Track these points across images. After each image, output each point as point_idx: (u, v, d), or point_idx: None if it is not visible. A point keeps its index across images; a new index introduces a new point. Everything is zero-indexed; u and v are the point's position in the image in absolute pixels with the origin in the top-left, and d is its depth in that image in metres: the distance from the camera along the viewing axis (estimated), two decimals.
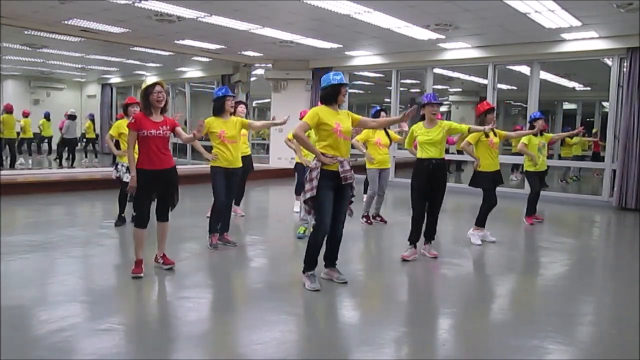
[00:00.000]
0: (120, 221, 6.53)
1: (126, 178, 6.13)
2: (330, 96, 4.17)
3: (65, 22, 9.21)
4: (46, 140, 15.71)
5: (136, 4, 7.86)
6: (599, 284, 4.95)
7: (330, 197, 4.08)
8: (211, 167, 5.33)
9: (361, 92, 19.57)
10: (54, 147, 15.51)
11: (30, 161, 13.90)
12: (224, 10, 8.19)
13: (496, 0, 6.98)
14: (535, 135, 7.13)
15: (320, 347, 3.22)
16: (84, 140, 16.51)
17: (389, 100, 12.73)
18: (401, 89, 12.96)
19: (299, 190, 8.11)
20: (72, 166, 13.47)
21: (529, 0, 7.01)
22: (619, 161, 9.14)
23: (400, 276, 4.92)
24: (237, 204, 7.25)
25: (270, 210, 9.10)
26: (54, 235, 5.92)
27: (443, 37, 9.55)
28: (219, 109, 5.32)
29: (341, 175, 4.07)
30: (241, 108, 6.75)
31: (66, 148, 14.04)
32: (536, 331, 3.41)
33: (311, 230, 5.92)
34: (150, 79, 17.92)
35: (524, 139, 7.12)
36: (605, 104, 14.40)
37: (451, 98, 21.26)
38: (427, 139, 5.10)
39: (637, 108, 8.90)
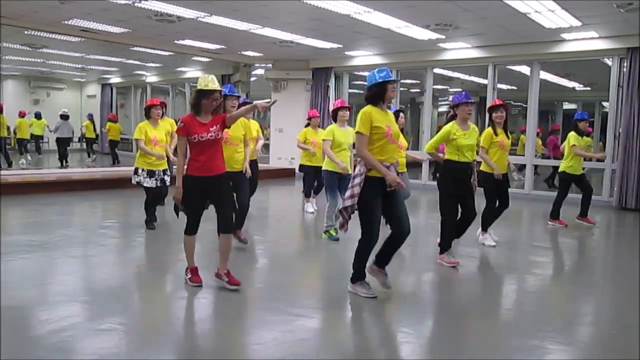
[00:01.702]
0: (151, 224, 6.28)
1: (147, 183, 6.10)
2: (377, 96, 3.83)
3: (65, 22, 9.21)
4: (40, 140, 15.73)
5: (136, 4, 7.85)
6: (599, 284, 4.95)
7: (378, 205, 3.79)
8: None
9: (361, 92, 19.55)
10: (49, 147, 15.57)
11: (23, 160, 13.89)
12: (224, 10, 8.19)
13: (496, 0, 6.98)
14: (580, 136, 6.96)
15: (320, 347, 3.22)
16: (84, 140, 16.52)
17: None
18: (401, 89, 12.98)
19: (309, 193, 8.08)
20: (64, 166, 13.44)
21: (529, 0, 7.01)
22: (619, 161, 9.14)
23: (400, 276, 4.92)
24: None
25: (270, 210, 9.10)
26: (54, 235, 5.92)
27: (443, 37, 9.55)
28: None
29: (392, 184, 3.77)
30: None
31: (62, 147, 14.02)
32: (536, 331, 3.41)
33: (335, 228, 5.89)
34: (151, 78, 17.95)
35: (573, 141, 6.88)
36: (605, 104, 14.40)
37: (451, 98, 21.24)
38: (467, 142, 4.88)
39: (637, 108, 8.91)
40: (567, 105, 19.80)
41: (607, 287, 4.86)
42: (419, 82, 15.16)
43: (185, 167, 4.00)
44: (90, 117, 16.10)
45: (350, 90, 13.72)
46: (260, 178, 12.00)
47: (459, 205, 4.98)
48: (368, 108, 3.82)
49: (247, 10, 8.12)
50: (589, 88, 17.04)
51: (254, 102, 3.90)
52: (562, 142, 13.12)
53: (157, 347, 3.11)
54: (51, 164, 14.49)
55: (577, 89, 17.28)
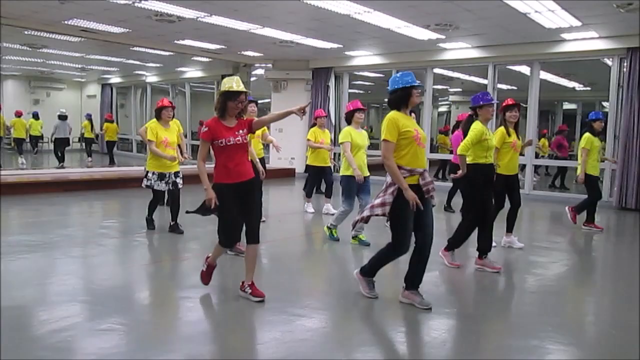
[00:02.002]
0: (152, 224, 6.23)
1: (157, 186, 5.98)
2: (401, 100, 3.69)
3: (65, 22, 9.22)
4: (40, 140, 15.76)
5: (136, 4, 7.85)
6: (599, 284, 4.95)
7: (412, 216, 3.62)
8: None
9: (361, 92, 19.57)
10: (49, 147, 15.59)
11: (23, 160, 13.89)
12: (224, 10, 8.20)
13: (496, 0, 6.99)
14: (595, 136, 6.82)
15: (320, 347, 3.22)
16: (83, 140, 16.54)
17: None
18: None
19: (310, 193, 8.04)
20: (62, 166, 13.45)
21: (529, 0, 7.01)
22: (619, 161, 9.13)
23: (400, 277, 4.92)
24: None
25: (270, 210, 9.09)
26: (54, 235, 5.92)
27: (443, 37, 9.55)
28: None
29: (423, 188, 3.65)
30: (251, 107, 6.62)
31: (59, 148, 14.02)
32: (536, 331, 3.41)
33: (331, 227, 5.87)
34: (151, 78, 17.95)
35: (585, 144, 6.71)
36: (605, 104, 14.38)
37: (451, 98, 21.26)
38: (493, 144, 4.81)
39: (637, 108, 8.91)
40: (567, 105, 19.81)
41: (607, 287, 4.86)
42: (419, 82, 15.15)
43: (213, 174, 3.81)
44: (89, 117, 16.12)
45: (350, 90, 13.72)
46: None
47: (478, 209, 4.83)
48: (393, 114, 3.67)
49: (247, 10, 8.13)
50: (589, 88, 17.04)
51: (289, 109, 3.88)
52: (568, 142, 13.12)
53: (157, 347, 3.11)
54: (51, 164, 14.49)
55: (577, 89, 17.29)
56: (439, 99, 20.89)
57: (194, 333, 3.35)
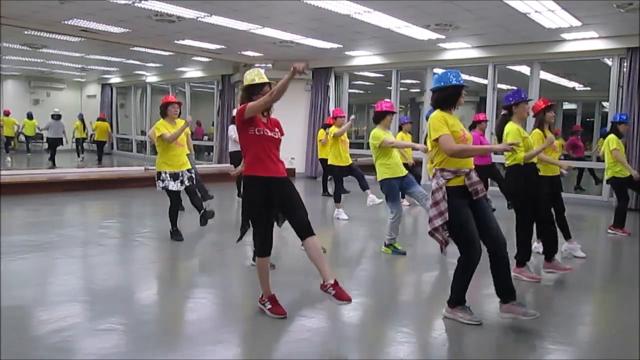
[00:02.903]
0: (177, 235, 5.83)
1: (172, 187, 5.70)
2: (450, 98, 3.54)
3: (65, 22, 9.21)
4: (32, 141, 15.79)
5: (136, 4, 7.85)
6: (599, 284, 4.95)
7: (469, 215, 3.39)
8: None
9: (361, 92, 19.57)
10: (41, 147, 15.62)
11: (9, 158, 13.89)
12: (224, 10, 8.20)
13: (496, 0, 6.99)
14: (619, 138, 6.70)
15: (321, 347, 3.22)
16: (74, 140, 16.57)
17: (389, 100, 12.72)
18: (401, 89, 12.96)
19: (339, 197, 7.49)
20: (53, 166, 13.45)
21: (529, 0, 7.01)
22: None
23: (401, 277, 4.93)
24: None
25: None
26: (53, 235, 5.92)
27: (443, 37, 9.55)
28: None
29: (470, 189, 3.42)
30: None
31: (53, 148, 14.02)
32: (536, 331, 3.41)
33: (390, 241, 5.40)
34: (151, 78, 17.95)
35: (615, 145, 6.53)
36: (605, 104, 14.38)
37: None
38: (531, 142, 4.56)
39: (637, 108, 8.90)
40: (567, 105, 19.81)
41: (607, 287, 4.86)
42: (419, 82, 15.17)
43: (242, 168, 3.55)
44: (81, 117, 16.12)
45: (350, 90, 13.72)
46: None
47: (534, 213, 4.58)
48: (439, 113, 3.51)
49: (247, 10, 8.13)
50: (589, 88, 17.04)
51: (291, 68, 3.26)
52: (583, 142, 13.00)
53: (157, 347, 3.11)
54: (45, 164, 14.49)
55: (577, 89, 17.28)
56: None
57: (194, 333, 3.35)
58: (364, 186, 7.48)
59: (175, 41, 10.96)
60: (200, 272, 4.82)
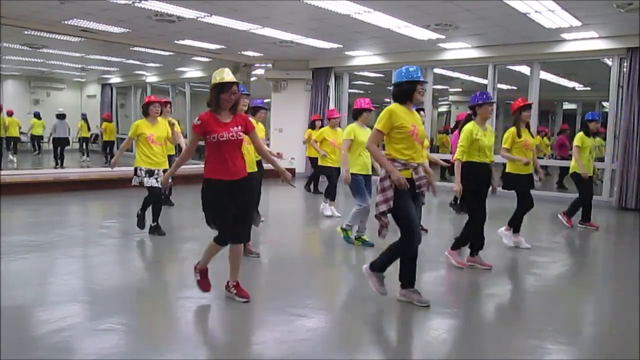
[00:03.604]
0: (157, 230, 5.99)
1: (148, 183, 5.83)
2: (405, 93, 3.70)
3: (65, 22, 9.22)
4: (36, 140, 15.77)
5: (136, 4, 7.86)
6: (599, 284, 4.95)
7: (412, 204, 3.66)
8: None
9: (361, 92, 19.57)
10: (46, 147, 15.59)
11: (10, 157, 13.88)
12: (224, 10, 8.20)
13: (496, 0, 6.99)
14: (589, 137, 6.93)
15: (321, 347, 3.22)
16: (79, 139, 16.58)
17: (389, 100, 12.72)
18: None
19: (330, 194, 7.63)
20: (62, 166, 13.44)
21: (529, 0, 7.01)
22: (619, 161, 9.14)
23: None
24: None
25: (270, 210, 9.08)
26: (54, 235, 5.92)
27: (443, 37, 9.56)
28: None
29: (416, 183, 3.67)
30: (262, 113, 6.60)
31: (57, 147, 14.01)
32: (536, 331, 3.41)
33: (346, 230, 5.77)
34: (151, 78, 17.95)
35: (578, 142, 6.83)
36: (605, 104, 14.39)
37: (451, 98, 21.26)
38: (488, 143, 4.80)
39: (637, 108, 8.91)
40: (567, 105, 19.82)
41: (607, 287, 4.86)
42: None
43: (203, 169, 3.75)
44: (84, 117, 16.12)
45: (350, 90, 13.72)
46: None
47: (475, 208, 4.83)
48: (393, 106, 3.69)
49: (247, 10, 8.13)
50: (589, 88, 17.05)
51: (279, 167, 3.96)
52: (569, 142, 13.13)
53: (157, 347, 3.11)
54: (50, 164, 14.49)
55: (577, 89, 17.29)
56: (439, 99, 20.88)
57: (194, 333, 3.35)
58: (329, 196, 7.67)
59: (175, 41, 10.97)
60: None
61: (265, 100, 16.08)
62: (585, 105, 18.95)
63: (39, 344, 3.03)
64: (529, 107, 5.55)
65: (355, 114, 5.80)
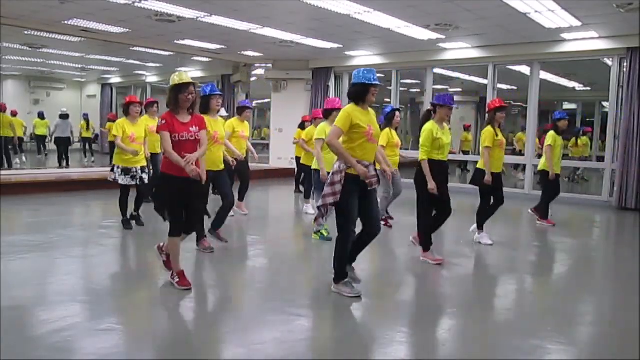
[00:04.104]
0: (127, 224, 6.27)
1: (122, 180, 6.11)
2: (359, 95, 3.86)
3: (65, 22, 9.22)
4: (40, 140, 15.75)
5: (136, 4, 7.86)
6: (599, 284, 4.95)
7: (356, 203, 3.85)
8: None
9: None
10: (50, 147, 15.57)
11: (17, 160, 13.87)
12: (224, 10, 8.20)
13: (496, 0, 6.99)
14: (559, 134, 7.06)
15: (321, 347, 3.22)
16: (80, 140, 16.56)
17: (389, 100, 12.74)
18: (401, 89, 12.97)
19: (309, 194, 7.86)
20: (67, 166, 13.43)
21: (529, 0, 7.01)
22: (619, 161, 9.14)
23: (400, 276, 4.93)
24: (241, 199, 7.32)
25: (270, 210, 9.11)
26: (53, 235, 5.92)
27: (443, 37, 9.56)
28: (204, 108, 5.17)
29: (367, 181, 3.83)
30: (248, 113, 6.75)
31: (61, 148, 13.99)
32: (536, 331, 3.41)
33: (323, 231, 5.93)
34: (151, 78, 17.95)
35: (550, 141, 6.97)
36: (605, 104, 14.39)
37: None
38: (447, 141, 4.97)
39: (637, 108, 8.91)
40: (567, 105, 19.81)
41: (607, 287, 4.86)
42: (419, 82, 15.19)
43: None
44: (85, 117, 16.11)
45: None
46: (261, 178, 12.05)
47: (435, 204, 5.03)
48: (350, 107, 3.86)
49: (247, 10, 8.13)
50: (589, 88, 17.04)
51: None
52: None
53: (157, 347, 3.11)
54: (54, 164, 14.49)
55: (577, 89, 17.29)
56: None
57: (194, 333, 3.35)
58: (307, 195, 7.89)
59: (175, 41, 10.97)
60: (200, 271, 4.82)
61: (265, 100, 16.08)
62: (585, 105, 18.96)
63: (39, 344, 3.03)
64: (504, 108, 5.74)
65: (327, 114, 5.96)
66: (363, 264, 5.40)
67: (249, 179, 7.20)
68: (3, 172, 9.72)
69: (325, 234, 5.91)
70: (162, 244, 4.21)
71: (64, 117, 13.78)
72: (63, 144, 13.80)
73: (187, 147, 3.86)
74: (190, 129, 3.91)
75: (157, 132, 3.94)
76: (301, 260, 5.54)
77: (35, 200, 8.24)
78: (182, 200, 3.94)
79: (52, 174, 10.83)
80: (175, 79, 3.93)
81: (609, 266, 5.77)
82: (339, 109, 5.74)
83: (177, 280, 4.02)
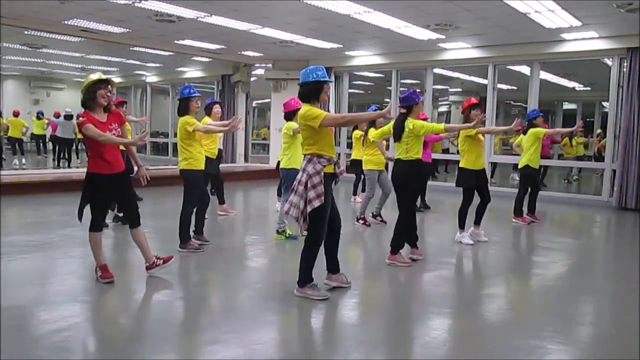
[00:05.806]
0: (122, 220, 6.37)
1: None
2: (312, 93, 3.85)
3: (65, 22, 9.22)
4: (39, 139, 15.76)
5: (136, 4, 7.86)
6: (599, 284, 4.95)
7: (330, 202, 3.86)
8: (189, 170, 5.16)
9: (361, 92, 19.57)
10: (49, 146, 15.57)
11: (16, 161, 13.87)
12: (224, 10, 8.20)
13: (496, 0, 6.99)
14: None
15: (320, 347, 3.22)
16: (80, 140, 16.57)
17: (389, 100, 12.71)
18: (401, 89, 12.95)
19: (279, 191, 7.76)
20: (68, 166, 13.43)
21: (529, 0, 7.01)
22: (619, 161, 9.14)
23: (398, 276, 4.92)
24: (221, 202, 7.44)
25: (270, 210, 9.08)
26: (54, 235, 5.92)
27: (443, 37, 9.55)
28: (184, 110, 5.17)
29: (338, 177, 3.96)
30: (216, 109, 6.69)
31: (63, 148, 13.97)
32: (536, 331, 3.41)
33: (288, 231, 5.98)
34: (151, 78, 17.95)
35: (517, 139, 7.23)
36: (605, 104, 14.41)
37: (451, 98, 21.26)
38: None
39: (637, 108, 8.91)
40: (567, 105, 19.83)
41: (607, 287, 4.86)
42: (419, 82, 15.18)
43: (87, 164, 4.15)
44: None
45: (350, 90, 13.71)
46: (260, 178, 12.04)
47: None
48: (307, 106, 3.82)
49: (247, 10, 8.13)
50: (589, 88, 17.05)
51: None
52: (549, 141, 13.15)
53: (157, 347, 3.11)
54: (52, 163, 14.48)
55: (577, 89, 17.30)
56: (439, 99, 20.88)
57: (193, 332, 3.35)
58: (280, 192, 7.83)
59: (175, 41, 10.96)
60: (199, 271, 4.83)
61: (265, 100, 16.04)
62: (585, 105, 18.97)
63: (39, 344, 3.03)
64: (477, 105, 5.76)
65: (290, 115, 5.86)
66: (360, 263, 5.41)
67: (221, 181, 7.38)
68: (3, 172, 9.72)
69: (290, 232, 5.99)
70: (154, 259, 4.39)
71: (68, 117, 13.75)
72: (66, 145, 13.78)
73: (108, 144, 3.97)
74: (110, 126, 4.01)
75: (80, 129, 3.97)
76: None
77: (35, 200, 8.24)
78: (113, 195, 4.22)
79: (52, 174, 10.82)
80: (92, 78, 4.04)
81: (608, 266, 5.77)
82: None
83: (100, 274, 4.15)
